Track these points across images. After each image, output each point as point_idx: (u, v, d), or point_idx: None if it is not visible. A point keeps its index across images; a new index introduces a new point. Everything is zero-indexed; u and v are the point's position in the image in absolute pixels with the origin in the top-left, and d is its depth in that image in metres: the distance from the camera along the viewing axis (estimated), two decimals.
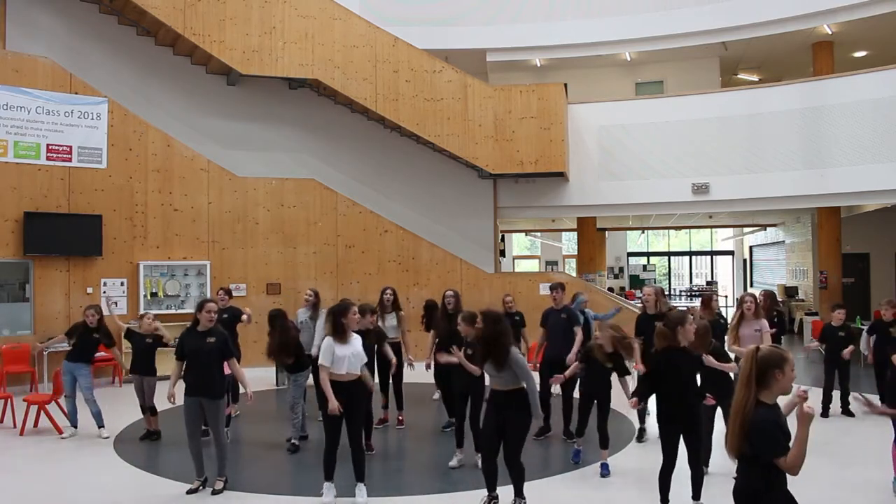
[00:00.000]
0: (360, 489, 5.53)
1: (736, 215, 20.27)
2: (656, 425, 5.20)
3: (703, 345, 5.44)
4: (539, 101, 13.60)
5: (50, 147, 10.84)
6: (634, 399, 5.24)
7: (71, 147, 11.03)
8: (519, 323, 8.88)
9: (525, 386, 5.16)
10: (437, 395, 9.37)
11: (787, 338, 16.30)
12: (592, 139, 14.52)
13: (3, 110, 10.46)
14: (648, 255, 28.93)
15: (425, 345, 8.91)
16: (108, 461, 6.84)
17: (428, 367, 8.12)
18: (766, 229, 23.10)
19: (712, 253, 29.31)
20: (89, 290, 11.08)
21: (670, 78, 16.74)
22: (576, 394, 7.29)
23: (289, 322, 7.33)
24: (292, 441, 7.15)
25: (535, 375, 7.69)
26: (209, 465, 5.95)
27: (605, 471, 6.23)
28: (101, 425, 7.68)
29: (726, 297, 25.74)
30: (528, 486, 5.26)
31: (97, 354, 8.28)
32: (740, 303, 7.17)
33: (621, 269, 26.22)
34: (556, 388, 8.76)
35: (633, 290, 23.21)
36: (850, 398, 8.03)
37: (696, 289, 26.08)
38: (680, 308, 7.60)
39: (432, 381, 9.51)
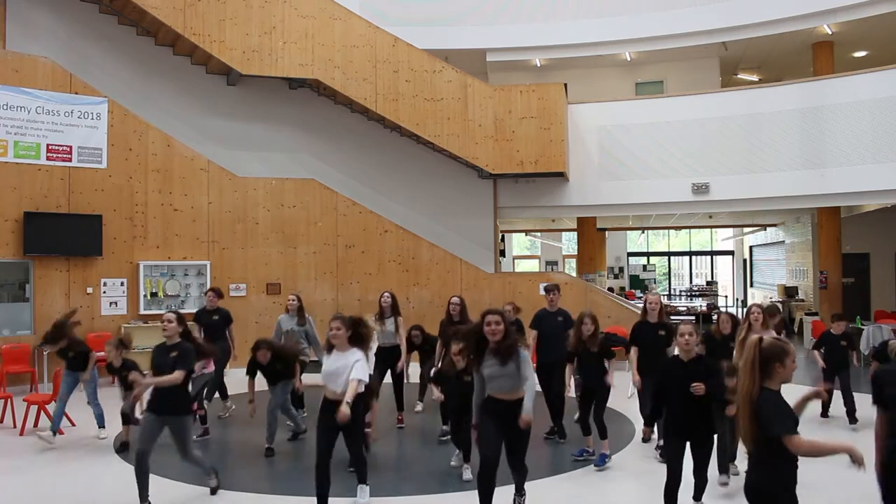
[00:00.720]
0: (362, 490, 5.51)
1: (736, 215, 20.26)
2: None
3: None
4: (539, 101, 13.60)
5: (50, 147, 10.85)
6: (646, 428, 5.21)
7: (71, 147, 11.03)
8: (519, 331, 8.81)
9: (534, 383, 5.03)
10: (419, 408, 8.94)
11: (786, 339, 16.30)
12: (592, 139, 14.52)
13: (3, 110, 10.47)
14: (648, 255, 28.91)
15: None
16: (108, 461, 6.84)
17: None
18: (766, 229, 23.09)
19: (712, 253, 29.30)
20: (89, 290, 11.08)
21: (670, 78, 16.74)
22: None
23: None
24: (267, 447, 6.93)
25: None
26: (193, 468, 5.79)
27: (601, 461, 6.29)
28: (101, 426, 7.66)
29: (726, 297, 25.73)
30: (527, 486, 5.25)
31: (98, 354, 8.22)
32: (747, 314, 6.88)
33: (621, 269, 26.20)
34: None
35: (632, 291, 23.22)
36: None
37: (696, 289, 26.06)
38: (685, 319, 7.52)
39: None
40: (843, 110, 12.95)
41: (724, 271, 29.20)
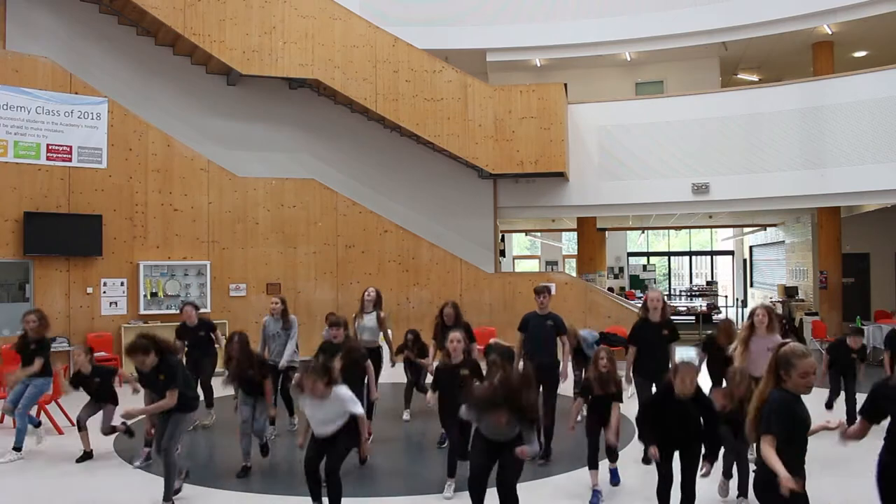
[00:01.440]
0: None
1: (736, 215, 20.26)
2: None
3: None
4: (539, 101, 13.60)
5: (50, 147, 10.85)
6: (654, 449, 4.70)
7: (71, 147, 11.03)
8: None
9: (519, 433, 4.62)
10: (406, 416, 8.58)
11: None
12: (592, 139, 14.52)
13: (3, 110, 10.47)
14: (648, 255, 28.91)
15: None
16: (107, 461, 6.84)
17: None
18: (766, 229, 23.09)
19: (712, 253, 29.29)
20: (89, 290, 11.08)
21: (670, 78, 16.74)
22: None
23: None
24: (244, 465, 6.46)
25: None
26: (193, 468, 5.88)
27: (615, 478, 5.92)
28: (16, 448, 6.85)
29: (726, 296, 25.73)
30: (524, 487, 5.23)
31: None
32: (751, 316, 6.61)
33: (621, 269, 26.20)
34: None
35: (632, 291, 23.21)
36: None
37: (696, 289, 26.05)
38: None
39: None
40: (843, 110, 12.95)
41: (724, 271, 29.20)
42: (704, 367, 7.20)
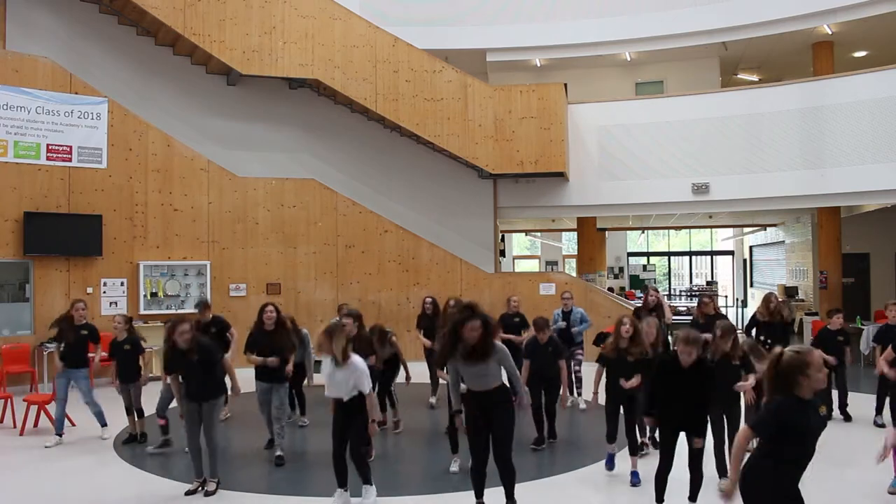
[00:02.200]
0: (368, 490, 5.51)
1: (736, 215, 20.26)
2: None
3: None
4: (539, 101, 13.60)
5: (50, 147, 10.85)
6: (651, 418, 5.18)
7: (71, 147, 11.03)
8: (520, 324, 8.89)
9: (505, 382, 5.12)
10: (433, 400, 9.28)
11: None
12: (592, 139, 14.52)
13: (3, 110, 10.47)
14: (648, 255, 28.90)
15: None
16: (107, 461, 6.85)
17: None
18: (766, 229, 23.09)
19: (712, 253, 29.29)
20: (89, 290, 11.08)
21: (670, 78, 16.74)
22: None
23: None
24: (277, 454, 6.81)
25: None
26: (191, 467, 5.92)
27: (635, 479, 5.90)
28: (103, 424, 7.66)
29: (726, 296, 25.73)
30: (524, 487, 5.24)
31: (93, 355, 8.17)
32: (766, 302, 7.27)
33: (621, 269, 26.19)
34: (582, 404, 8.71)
35: (633, 291, 23.20)
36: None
37: (696, 289, 26.05)
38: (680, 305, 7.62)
39: (429, 380, 9.48)
40: (843, 110, 12.94)
41: (724, 271, 29.20)
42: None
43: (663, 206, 15.01)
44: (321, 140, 14.01)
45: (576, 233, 19.48)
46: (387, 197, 14.28)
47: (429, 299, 9.36)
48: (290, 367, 7.01)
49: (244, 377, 7.27)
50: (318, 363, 8.76)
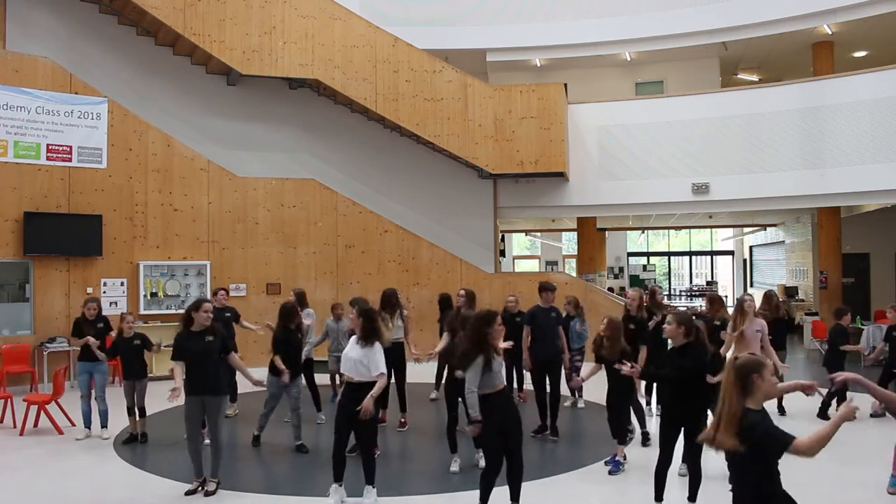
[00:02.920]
0: (369, 491, 5.50)
1: (736, 215, 20.27)
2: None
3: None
4: (539, 101, 13.60)
5: (50, 147, 10.85)
6: (636, 368, 5.31)
7: (71, 147, 11.03)
8: (520, 324, 8.89)
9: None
10: (434, 395, 9.38)
11: (789, 338, 16.29)
12: (592, 139, 14.52)
13: (3, 110, 10.47)
14: (648, 255, 28.92)
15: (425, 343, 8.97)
16: (107, 461, 6.85)
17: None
18: (766, 229, 23.09)
19: (712, 253, 29.31)
20: (89, 289, 11.07)
21: (670, 78, 16.74)
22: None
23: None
24: (298, 443, 7.10)
25: (527, 375, 7.77)
26: (208, 465, 5.93)
27: (614, 466, 6.20)
28: (104, 425, 7.66)
29: (726, 296, 25.74)
30: (526, 487, 5.23)
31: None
32: (741, 303, 7.22)
33: (621, 269, 26.19)
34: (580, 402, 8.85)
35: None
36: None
37: (696, 289, 26.07)
38: (680, 308, 7.66)
39: (431, 380, 9.60)
40: (843, 110, 12.94)
41: (724, 271, 29.22)
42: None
43: (663, 206, 15.02)
44: (321, 140, 14.01)
45: (576, 233, 19.48)
46: (387, 197, 14.27)
47: (462, 292, 8.33)
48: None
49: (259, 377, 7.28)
50: (318, 362, 8.82)
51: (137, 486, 6.10)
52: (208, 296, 11.87)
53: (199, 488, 5.80)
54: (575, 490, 5.92)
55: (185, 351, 5.77)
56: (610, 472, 6.20)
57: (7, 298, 10.63)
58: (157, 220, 11.82)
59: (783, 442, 2.99)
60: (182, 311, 6.14)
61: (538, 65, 16.63)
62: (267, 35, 12.68)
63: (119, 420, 7.83)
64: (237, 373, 8.59)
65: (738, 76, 17.83)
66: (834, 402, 8.08)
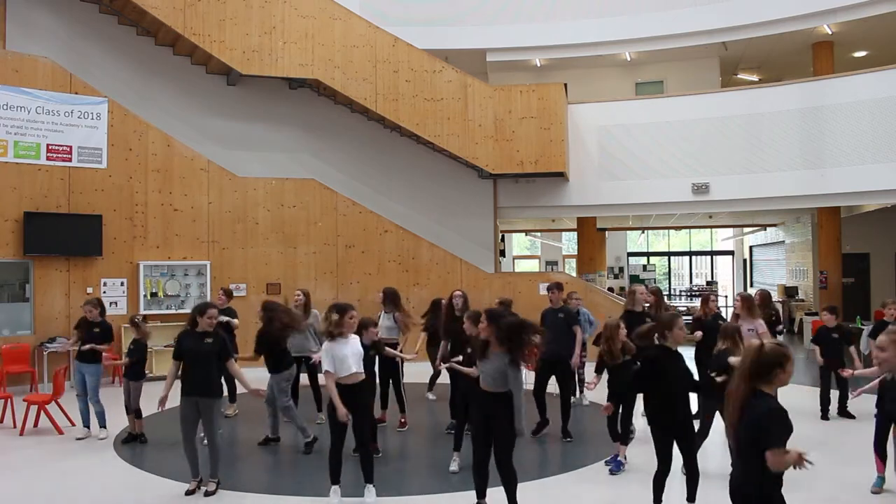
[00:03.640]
0: (369, 490, 5.52)
1: (736, 215, 20.26)
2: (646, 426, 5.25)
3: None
4: (539, 101, 13.60)
5: (50, 147, 10.85)
6: (609, 405, 5.41)
7: (71, 147, 11.03)
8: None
9: (511, 390, 5.08)
10: (431, 396, 9.37)
11: (787, 338, 16.31)
12: (592, 139, 14.52)
13: (3, 110, 10.47)
14: (648, 255, 28.89)
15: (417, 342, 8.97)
16: (107, 461, 6.85)
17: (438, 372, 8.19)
18: (766, 229, 23.09)
19: (712, 253, 29.29)
20: (89, 290, 11.08)
21: (670, 78, 16.74)
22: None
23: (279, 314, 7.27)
24: (306, 441, 7.08)
25: (531, 375, 7.78)
26: (205, 465, 5.93)
27: (615, 466, 6.23)
28: (102, 426, 7.66)
29: (726, 296, 25.72)
30: (526, 487, 5.23)
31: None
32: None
33: (621, 269, 26.17)
34: (585, 399, 8.81)
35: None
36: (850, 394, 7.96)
37: (696, 289, 26.05)
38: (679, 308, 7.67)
39: (424, 380, 9.60)
40: (843, 110, 12.94)
41: (724, 271, 29.20)
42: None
43: (663, 206, 15.02)
44: (321, 140, 14.01)
45: (576, 233, 19.48)
46: (387, 197, 14.27)
47: (458, 293, 8.13)
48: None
49: (252, 376, 7.28)
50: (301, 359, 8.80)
51: (137, 486, 6.10)
52: (208, 297, 11.89)
53: (198, 488, 5.79)
54: (575, 490, 5.92)
55: (183, 349, 5.81)
56: (611, 472, 6.21)
57: (7, 298, 10.63)
58: (157, 220, 11.82)
59: (777, 439, 2.98)
60: (182, 312, 6.15)
61: (538, 65, 16.63)
62: (267, 35, 12.68)
63: (120, 420, 7.83)
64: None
65: (738, 76, 17.83)
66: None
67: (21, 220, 10.52)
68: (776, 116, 13.57)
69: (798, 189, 13.35)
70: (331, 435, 5.50)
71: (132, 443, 7.37)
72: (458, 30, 15.79)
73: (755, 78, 17.79)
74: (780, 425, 3.02)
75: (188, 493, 5.75)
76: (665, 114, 14.32)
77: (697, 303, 21.03)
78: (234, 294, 12.12)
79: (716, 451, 6.66)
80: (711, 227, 26.26)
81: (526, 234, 26.59)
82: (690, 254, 29.46)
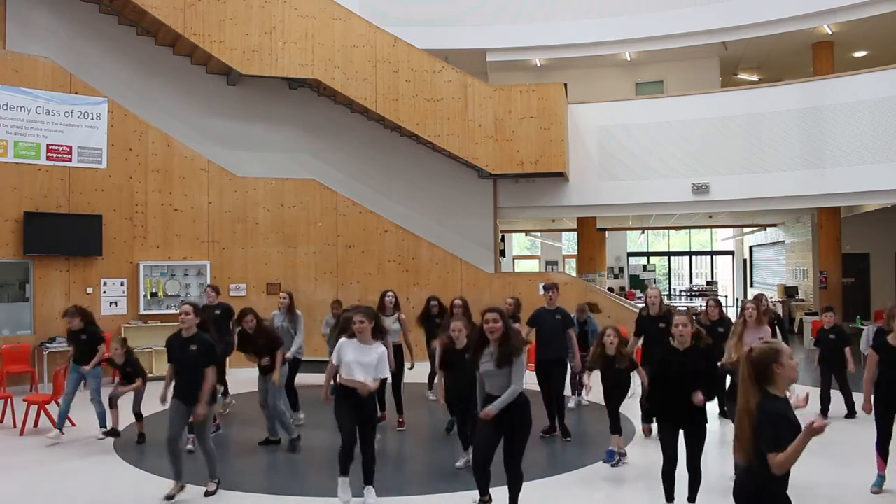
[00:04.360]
0: (369, 491, 5.49)
1: (736, 215, 20.27)
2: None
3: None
4: (539, 101, 13.60)
5: (50, 147, 10.84)
6: (645, 426, 5.37)
7: (71, 147, 11.03)
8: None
9: (518, 389, 4.99)
10: (432, 395, 9.39)
11: (789, 338, 16.28)
12: (592, 139, 14.52)
13: (3, 110, 10.46)
14: (648, 255, 28.92)
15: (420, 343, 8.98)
16: (107, 461, 6.84)
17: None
18: (766, 229, 23.10)
19: (712, 253, 29.31)
20: (89, 290, 11.08)
21: (670, 78, 16.74)
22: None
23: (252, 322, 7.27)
24: (292, 440, 7.15)
25: (531, 375, 7.78)
26: (193, 469, 5.88)
27: (608, 457, 6.35)
28: (102, 426, 7.64)
29: (726, 296, 25.72)
30: (526, 487, 5.23)
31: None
32: (742, 310, 7.07)
33: (621, 269, 26.20)
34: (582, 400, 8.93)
35: (633, 291, 23.21)
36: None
37: (696, 289, 26.07)
38: (680, 308, 7.65)
39: (425, 380, 9.61)
40: (843, 110, 12.95)
41: (724, 271, 29.21)
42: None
43: (663, 206, 15.02)
44: (321, 140, 14.01)
45: (576, 233, 19.49)
46: (387, 197, 14.27)
47: (458, 301, 8.37)
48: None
49: (244, 377, 7.30)
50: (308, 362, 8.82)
51: (137, 486, 6.09)
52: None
53: (178, 492, 5.65)
54: (575, 490, 5.92)
55: (170, 354, 5.83)
56: (606, 462, 6.35)
57: (7, 298, 10.63)
58: (157, 220, 11.82)
59: (774, 442, 2.94)
60: (197, 304, 6.10)
61: (538, 65, 16.63)
62: (267, 35, 12.68)
63: (120, 421, 7.82)
64: (227, 372, 8.73)
65: (738, 76, 17.84)
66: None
67: (21, 220, 10.52)
68: (776, 116, 13.57)
69: (798, 189, 13.36)
70: (340, 432, 5.43)
71: (113, 437, 7.33)
72: (458, 30, 15.79)
73: (755, 78, 17.80)
74: (771, 429, 2.98)
75: (167, 497, 5.58)
76: (665, 114, 14.32)
77: (697, 303, 21.01)
78: (234, 294, 12.22)
79: (716, 453, 6.66)
80: (711, 227, 26.27)
81: (526, 234, 26.60)
82: (690, 254, 29.47)
